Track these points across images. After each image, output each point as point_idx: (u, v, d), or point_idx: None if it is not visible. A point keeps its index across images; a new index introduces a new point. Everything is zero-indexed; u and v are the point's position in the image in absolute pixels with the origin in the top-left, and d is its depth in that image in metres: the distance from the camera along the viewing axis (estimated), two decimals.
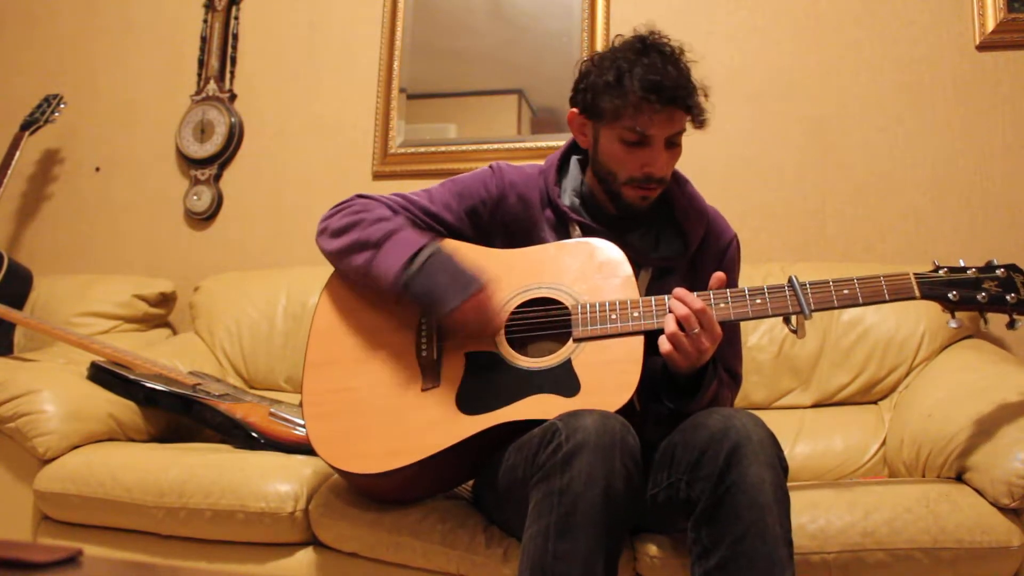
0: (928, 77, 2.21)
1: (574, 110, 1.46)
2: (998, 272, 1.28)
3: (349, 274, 1.47)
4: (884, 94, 2.24)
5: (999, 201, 2.13)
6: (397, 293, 1.37)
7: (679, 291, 1.30)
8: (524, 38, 2.54)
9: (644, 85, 1.32)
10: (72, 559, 0.74)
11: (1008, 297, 1.25)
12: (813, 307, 1.29)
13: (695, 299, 1.28)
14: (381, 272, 1.38)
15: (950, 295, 1.27)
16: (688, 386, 1.36)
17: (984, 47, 2.17)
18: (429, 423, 1.33)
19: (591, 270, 1.39)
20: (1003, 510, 1.31)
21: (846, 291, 1.29)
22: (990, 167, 2.14)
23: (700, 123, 1.40)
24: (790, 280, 1.32)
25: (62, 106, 2.79)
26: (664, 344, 1.28)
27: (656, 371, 1.36)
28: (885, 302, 1.29)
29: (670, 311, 1.29)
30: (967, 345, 1.88)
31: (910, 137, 2.21)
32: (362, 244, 1.41)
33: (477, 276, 1.34)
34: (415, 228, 1.45)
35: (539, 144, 2.42)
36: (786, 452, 1.73)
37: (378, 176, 2.60)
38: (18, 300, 2.48)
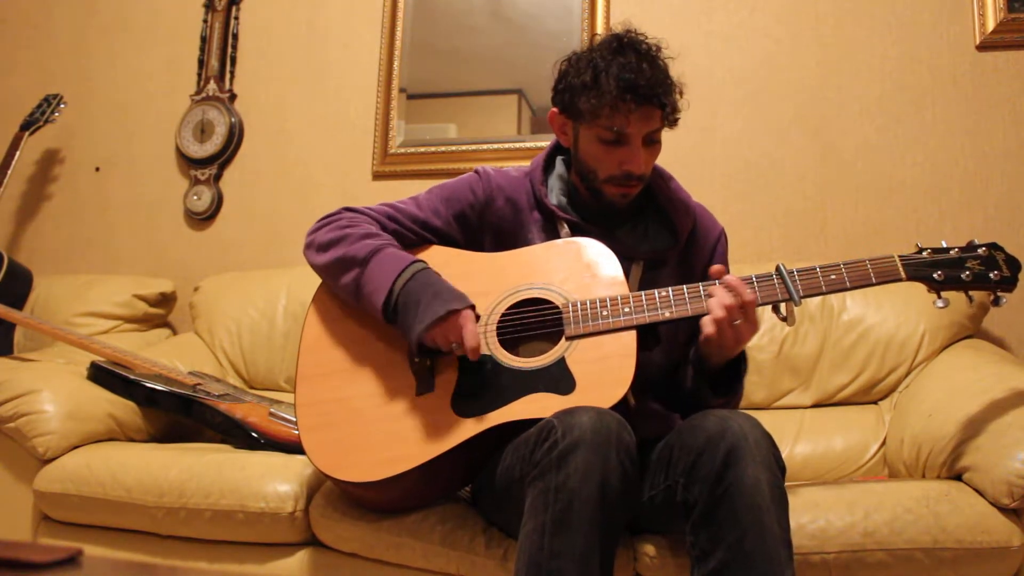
0: (928, 77, 2.21)
1: (554, 109, 1.46)
2: (980, 251, 1.31)
3: (335, 291, 1.47)
4: (884, 94, 2.24)
5: (999, 201, 2.13)
6: (386, 311, 1.36)
7: (732, 280, 1.30)
8: (524, 38, 2.54)
9: (620, 84, 1.33)
10: (72, 559, 0.74)
11: (991, 275, 1.29)
12: (802, 293, 1.30)
13: (747, 290, 1.28)
14: (370, 291, 1.37)
15: (935, 275, 1.29)
16: (719, 378, 1.38)
17: (984, 47, 2.17)
18: (425, 428, 1.32)
19: (580, 269, 1.39)
20: (1003, 510, 1.31)
21: (833, 276, 1.30)
22: (990, 167, 2.14)
23: (672, 122, 1.40)
24: (778, 268, 1.33)
25: (62, 106, 2.79)
26: (708, 326, 1.28)
27: (650, 366, 1.37)
28: (872, 285, 1.30)
29: (709, 296, 1.29)
30: (967, 345, 1.88)
31: (910, 137, 2.21)
32: (348, 261, 1.40)
33: (462, 296, 1.33)
34: (404, 244, 1.45)
35: (539, 144, 2.42)
36: (786, 452, 1.75)
37: (378, 176, 2.61)
38: (18, 300, 2.48)
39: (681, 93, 1.40)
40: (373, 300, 1.36)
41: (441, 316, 1.30)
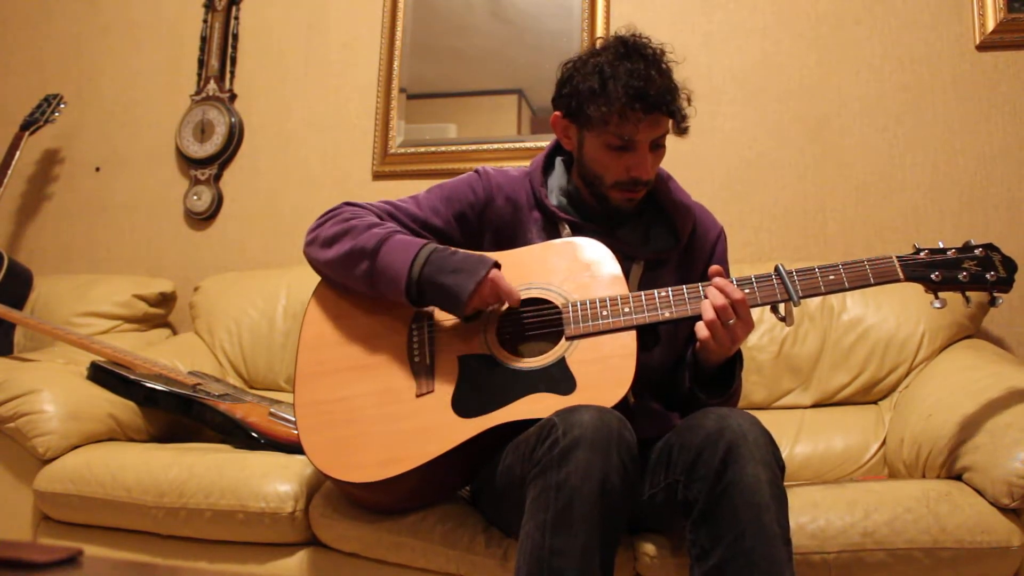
0: (928, 77, 2.21)
1: (557, 113, 1.45)
2: (977, 252, 1.32)
3: (346, 284, 1.46)
4: (884, 94, 2.24)
5: (999, 201, 2.13)
6: (409, 297, 1.36)
7: (719, 280, 1.30)
8: (524, 38, 2.54)
9: (629, 92, 1.32)
10: (72, 559, 0.74)
11: (988, 275, 1.29)
12: (801, 294, 1.30)
13: (735, 289, 1.29)
14: (387, 279, 1.37)
15: (932, 276, 1.30)
16: (716, 377, 1.38)
17: (984, 47, 2.17)
18: (426, 428, 1.32)
19: (579, 269, 1.39)
20: (1003, 510, 1.31)
21: (832, 277, 1.31)
22: (990, 167, 2.14)
23: (682, 130, 1.40)
24: (777, 268, 1.33)
25: (62, 106, 2.79)
26: (702, 330, 1.29)
27: (649, 366, 1.37)
28: (871, 286, 1.31)
29: (706, 297, 1.30)
30: (967, 345, 1.88)
31: (910, 137, 2.21)
32: (358, 253, 1.40)
33: (482, 258, 1.35)
34: (407, 233, 1.45)
35: (539, 144, 2.42)
36: (786, 452, 1.75)
37: (378, 176, 2.61)
38: (18, 300, 2.48)
39: (689, 99, 1.40)
40: (393, 288, 1.36)
41: (472, 291, 1.31)
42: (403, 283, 1.35)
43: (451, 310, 1.36)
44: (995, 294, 1.30)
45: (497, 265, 1.35)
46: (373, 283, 1.39)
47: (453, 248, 1.39)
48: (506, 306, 1.39)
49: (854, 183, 2.24)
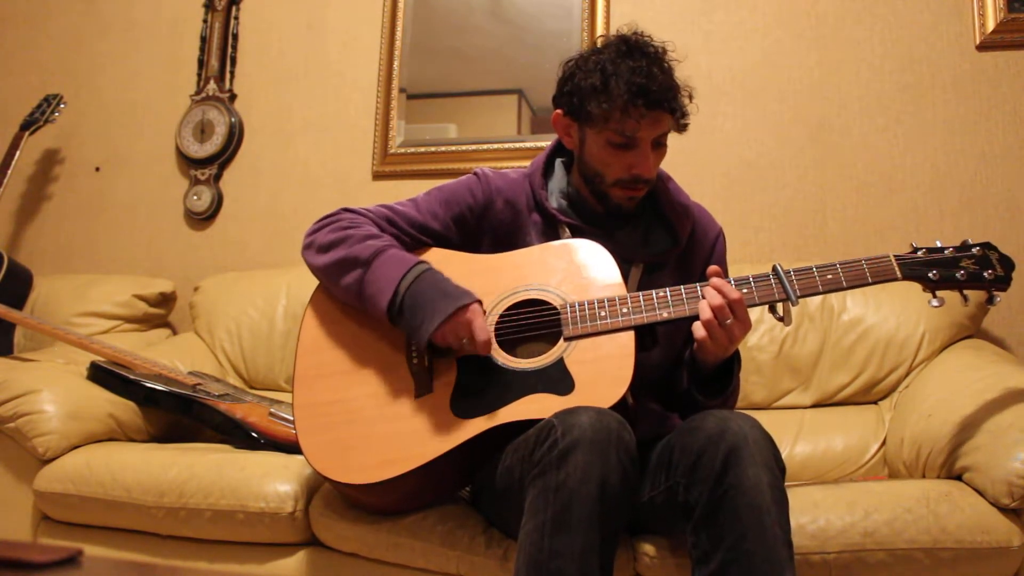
0: (928, 77, 2.21)
1: (559, 111, 1.45)
2: (974, 251, 1.32)
3: (335, 293, 1.46)
4: (884, 94, 2.24)
5: (999, 201, 2.13)
6: (391, 311, 1.35)
7: (716, 280, 1.30)
8: (524, 38, 2.54)
9: (631, 89, 1.32)
10: (72, 559, 0.74)
11: (985, 274, 1.30)
12: (799, 293, 1.30)
13: (732, 289, 1.29)
14: (371, 295, 1.36)
15: (930, 274, 1.30)
16: (714, 378, 1.38)
17: (984, 47, 2.17)
18: (425, 430, 1.32)
19: (577, 270, 1.39)
20: (1003, 510, 1.31)
21: (829, 276, 1.31)
22: (990, 167, 2.14)
23: (682, 127, 1.40)
24: (774, 268, 1.33)
25: (62, 106, 2.79)
26: (699, 330, 1.29)
27: (648, 367, 1.37)
28: (868, 284, 1.31)
29: (703, 298, 1.30)
30: (967, 345, 1.88)
31: (910, 137, 2.21)
32: (351, 262, 1.40)
33: (459, 296, 1.32)
34: (402, 246, 1.44)
35: (539, 144, 2.42)
36: (786, 452, 1.75)
37: (378, 176, 2.61)
38: (18, 300, 2.48)
39: (691, 96, 1.40)
40: (377, 301, 1.36)
41: (450, 315, 1.30)
42: (388, 297, 1.34)
43: (418, 331, 1.32)
44: (993, 292, 1.30)
45: (479, 302, 1.34)
46: (361, 295, 1.38)
47: (443, 275, 1.37)
48: (472, 346, 1.34)
49: (854, 183, 2.24)
